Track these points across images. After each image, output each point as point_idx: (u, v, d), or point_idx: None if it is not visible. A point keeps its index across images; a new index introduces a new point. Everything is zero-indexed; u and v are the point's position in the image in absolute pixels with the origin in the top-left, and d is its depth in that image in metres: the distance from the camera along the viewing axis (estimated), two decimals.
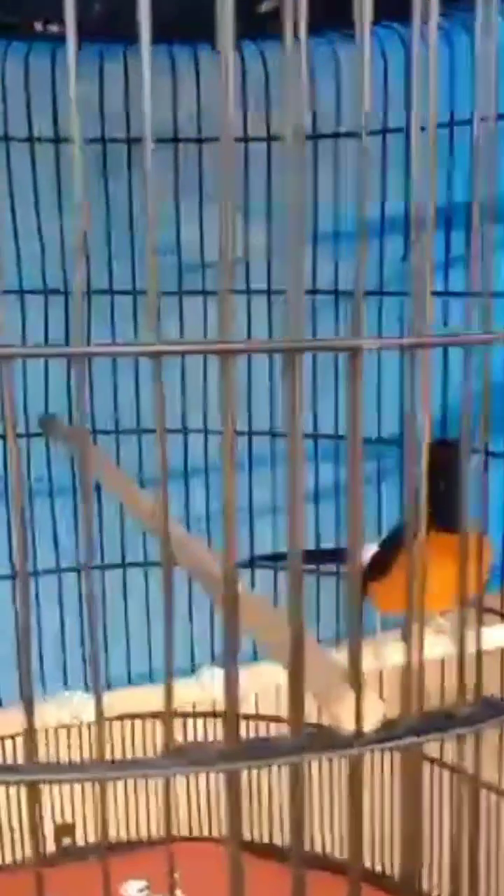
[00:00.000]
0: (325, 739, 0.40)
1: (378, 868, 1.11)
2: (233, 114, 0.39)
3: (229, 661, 0.38)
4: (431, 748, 1.03)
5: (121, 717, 1.14)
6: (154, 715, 1.13)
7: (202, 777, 1.19)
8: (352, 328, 0.38)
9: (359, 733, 0.40)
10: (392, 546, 0.89)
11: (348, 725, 0.40)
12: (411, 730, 0.41)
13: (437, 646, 0.84)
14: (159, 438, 0.39)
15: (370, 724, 0.41)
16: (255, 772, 1.16)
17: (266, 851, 1.12)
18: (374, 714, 0.41)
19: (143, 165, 0.39)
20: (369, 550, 0.93)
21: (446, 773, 1.06)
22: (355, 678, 0.41)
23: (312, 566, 1.01)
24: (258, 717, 1.14)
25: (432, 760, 1.06)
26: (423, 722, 0.41)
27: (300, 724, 0.40)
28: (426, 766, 1.08)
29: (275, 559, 1.03)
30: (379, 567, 0.88)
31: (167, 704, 0.39)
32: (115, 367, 1.12)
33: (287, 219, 0.39)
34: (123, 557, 1.15)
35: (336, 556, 0.98)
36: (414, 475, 0.42)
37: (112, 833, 1.22)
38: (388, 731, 0.40)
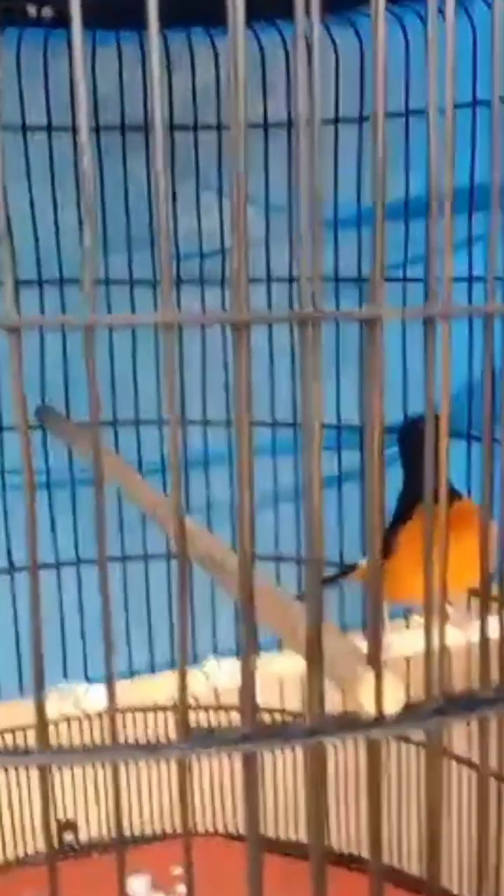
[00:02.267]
0: (344, 722, 0.39)
1: (400, 865, 1.09)
2: (243, 98, 0.38)
3: (247, 642, 0.37)
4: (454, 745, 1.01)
5: (123, 711, 1.12)
6: (157, 708, 1.12)
7: (208, 771, 1.17)
8: (371, 297, 0.37)
9: (379, 716, 0.39)
10: (391, 530, 0.88)
11: (368, 708, 0.39)
12: (434, 711, 0.40)
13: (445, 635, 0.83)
14: (171, 409, 0.37)
15: (391, 707, 0.39)
16: (271, 766, 1.15)
17: (286, 849, 1.11)
18: (396, 697, 0.40)
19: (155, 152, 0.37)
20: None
21: (464, 770, 1.05)
22: (375, 660, 0.40)
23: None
24: (262, 709, 1.13)
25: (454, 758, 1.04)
26: (447, 704, 0.40)
27: (319, 706, 0.39)
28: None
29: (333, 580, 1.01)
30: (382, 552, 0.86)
31: (182, 687, 0.38)
32: (112, 356, 1.11)
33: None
34: (123, 550, 1.14)
35: (339, 576, 0.98)
36: (432, 450, 0.40)
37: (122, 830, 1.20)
38: (410, 713, 0.39)
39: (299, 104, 0.38)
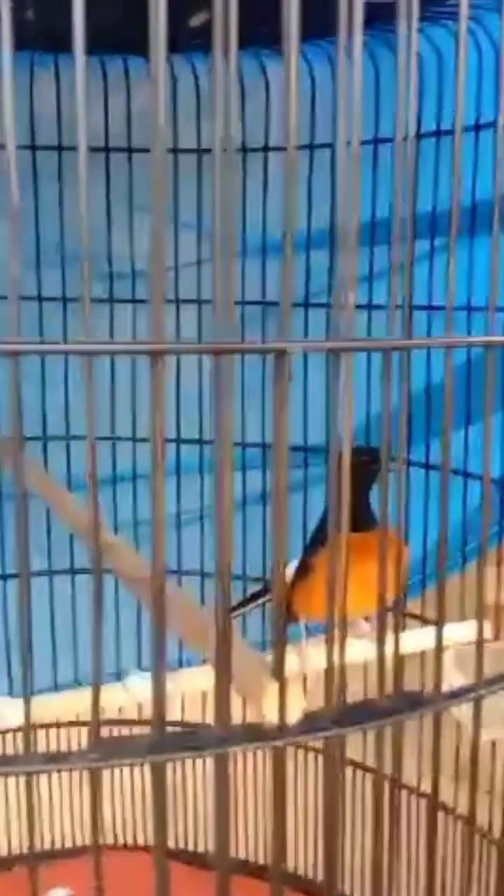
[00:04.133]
0: (250, 732, 0.41)
1: (300, 871, 1.12)
2: (164, 123, 0.40)
3: (157, 652, 0.39)
4: (351, 751, 1.04)
5: (45, 726, 1.13)
6: (77, 723, 1.12)
7: (127, 783, 1.19)
8: (279, 332, 0.39)
9: (282, 726, 0.41)
10: (311, 550, 0.90)
11: (271, 717, 0.42)
12: (334, 721, 0.42)
13: (359, 650, 0.86)
14: (89, 439, 0.39)
15: (293, 716, 0.42)
16: (180, 780, 1.17)
17: (192, 859, 1.12)
18: (297, 706, 0.42)
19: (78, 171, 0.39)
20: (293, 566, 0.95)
21: (366, 777, 1.08)
22: (279, 672, 0.42)
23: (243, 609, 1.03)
24: (184, 724, 1.14)
25: (351, 763, 1.07)
26: (345, 714, 0.42)
27: (227, 717, 0.41)
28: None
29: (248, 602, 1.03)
30: (300, 572, 0.89)
31: (94, 697, 0.40)
32: (44, 372, 1.12)
33: (216, 229, 0.40)
34: (50, 565, 1.15)
35: (263, 593, 1.00)
36: (337, 475, 0.43)
37: (35, 842, 1.20)
38: (312, 723, 0.42)
39: (216, 132, 0.40)
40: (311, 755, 1.13)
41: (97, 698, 0.40)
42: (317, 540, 0.90)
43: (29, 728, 0.39)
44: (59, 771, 0.38)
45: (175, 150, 1.11)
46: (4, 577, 1.13)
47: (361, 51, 0.43)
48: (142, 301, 1.14)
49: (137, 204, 1.14)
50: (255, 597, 1.02)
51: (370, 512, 0.84)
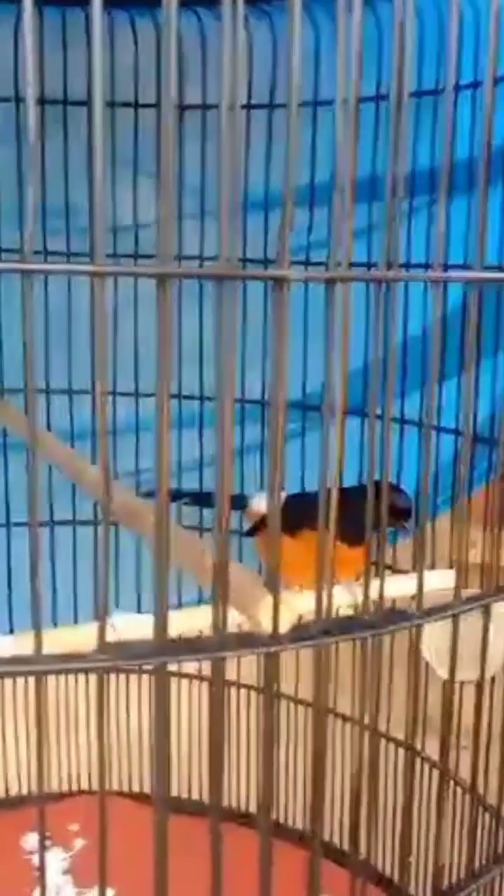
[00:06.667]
0: (245, 639, 0.44)
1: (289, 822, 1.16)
2: (173, 78, 0.41)
3: (160, 566, 0.42)
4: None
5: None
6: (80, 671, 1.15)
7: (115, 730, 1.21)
8: (278, 260, 0.42)
9: (275, 634, 0.44)
10: (296, 514, 0.91)
11: (266, 626, 0.44)
12: (323, 631, 0.45)
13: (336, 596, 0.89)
14: (99, 352, 0.41)
15: (284, 626, 0.45)
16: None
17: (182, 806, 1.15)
18: (289, 618, 0.45)
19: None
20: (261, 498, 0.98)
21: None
22: (272, 583, 0.45)
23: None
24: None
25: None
26: (333, 624, 0.45)
27: (223, 624, 0.43)
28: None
29: (196, 500, 1.05)
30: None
31: (103, 605, 0.42)
32: (48, 326, 1.14)
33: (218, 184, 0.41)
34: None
35: (236, 506, 1.02)
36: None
37: (13, 788, 1.23)
38: (302, 632, 0.45)
39: (223, 92, 0.41)
40: (301, 708, 1.17)
41: (105, 606, 0.42)
42: (308, 512, 0.91)
43: (39, 630, 0.42)
44: (66, 672, 0.40)
45: (181, 107, 1.12)
46: None
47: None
48: (145, 256, 1.14)
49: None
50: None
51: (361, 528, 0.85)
